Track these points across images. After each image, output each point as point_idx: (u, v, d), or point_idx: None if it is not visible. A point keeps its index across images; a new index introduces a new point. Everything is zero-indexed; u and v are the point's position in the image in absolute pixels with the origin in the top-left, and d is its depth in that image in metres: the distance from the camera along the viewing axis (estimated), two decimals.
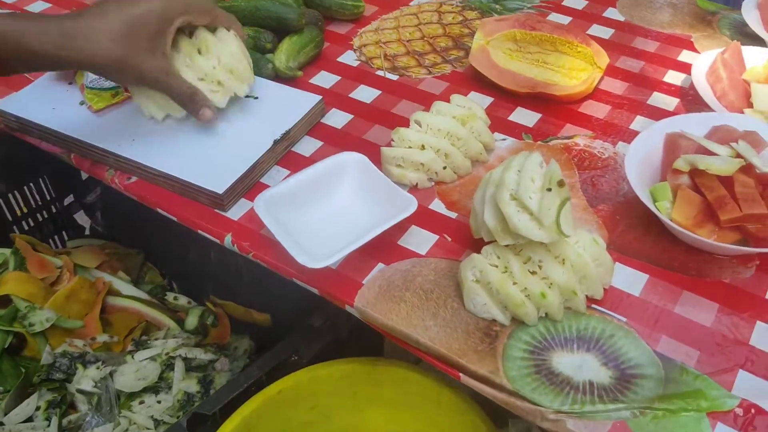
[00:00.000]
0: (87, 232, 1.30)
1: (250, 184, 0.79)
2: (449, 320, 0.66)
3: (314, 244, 0.70)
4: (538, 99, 0.90)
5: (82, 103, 0.88)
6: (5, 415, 0.93)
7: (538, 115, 0.89)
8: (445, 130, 0.79)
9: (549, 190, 0.61)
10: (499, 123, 0.88)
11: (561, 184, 0.61)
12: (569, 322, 0.65)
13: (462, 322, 0.66)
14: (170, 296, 1.22)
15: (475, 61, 0.92)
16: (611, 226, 0.75)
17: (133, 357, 1.06)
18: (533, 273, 0.64)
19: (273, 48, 0.95)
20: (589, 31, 1.04)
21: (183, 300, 1.21)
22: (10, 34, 0.67)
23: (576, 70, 0.91)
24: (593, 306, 0.67)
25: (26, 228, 1.20)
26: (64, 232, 1.27)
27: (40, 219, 1.22)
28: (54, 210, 1.24)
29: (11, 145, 0.94)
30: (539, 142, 0.85)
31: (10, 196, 1.16)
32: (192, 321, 1.15)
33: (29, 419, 0.97)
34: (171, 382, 1.05)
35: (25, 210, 1.19)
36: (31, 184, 1.18)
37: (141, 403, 1.04)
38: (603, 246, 0.67)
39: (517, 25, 0.94)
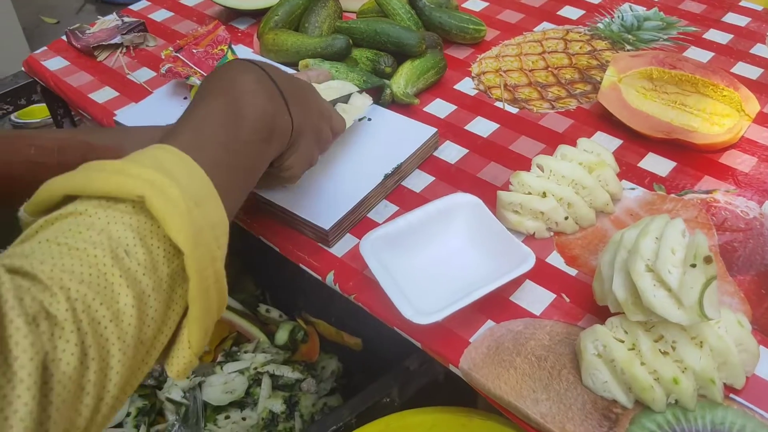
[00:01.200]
0: None
1: (356, 220, 0.76)
2: (563, 395, 0.60)
3: (421, 294, 0.65)
4: (674, 145, 0.82)
5: None
6: None
7: (673, 164, 0.81)
8: (570, 178, 0.72)
9: (693, 266, 0.54)
10: (627, 169, 0.80)
11: (708, 260, 0.54)
12: (702, 413, 0.58)
13: (578, 398, 0.60)
14: (262, 308, 1.21)
15: (604, 99, 0.85)
16: (755, 300, 0.66)
17: (222, 368, 1.06)
18: (665, 354, 0.57)
19: (392, 72, 0.91)
20: (734, 70, 0.95)
21: (275, 313, 1.21)
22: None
23: (719, 116, 0.82)
24: (732, 396, 0.59)
25: None
26: None
27: None
28: None
29: None
30: (673, 195, 0.77)
31: None
32: (282, 336, 1.14)
33: (119, 425, 0.99)
34: (257, 398, 1.05)
35: None
36: None
37: (227, 417, 1.03)
38: (748, 328, 0.59)
39: (655, 63, 0.86)
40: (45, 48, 1.07)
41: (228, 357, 1.08)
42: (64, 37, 1.08)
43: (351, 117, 0.79)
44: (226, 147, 0.53)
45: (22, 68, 1.07)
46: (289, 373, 1.06)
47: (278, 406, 1.03)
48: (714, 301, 0.54)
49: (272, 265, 1.19)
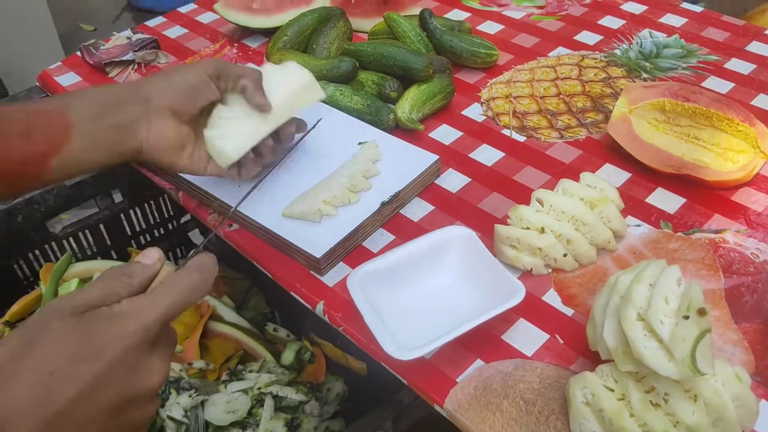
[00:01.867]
0: None
1: (350, 248, 0.75)
2: None
3: (407, 330, 0.63)
4: (684, 181, 0.79)
5: None
6: None
7: (682, 200, 0.78)
8: (570, 214, 0.70)
9: (686, 317, 0.52)
10: (634, 204, 0.77)
11: (702, 312, 0.51)
12: None
13: None
14: (270, 327, 1.20)
15: (614, 130, 0.82)
16: (760, 351, 0.63)
17: (225, 387, 1.05)
18: (656, 406, 0.55)
19: (398, 97, 0.90)
20: (755, 102, 0.91)
21: (282, 332, 1.20)
22: None
23: (733, 152, 0.79)
24: None
25: (143, 242, 1.23)
26: (178, 250, 1.29)
27: (157, 235, 1.25)
28: (171, 227, 1.26)
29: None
30: (680, 234, 0.74)
31: (131, 211, 1.19)
32: (288, 356, 1.13)
33: None
34: (259, 419, 1.03)
35: (144, 225, 1.22)
36: (152, 202, 1.21)
37: None
38: (747, 382, 0.56)
39: (668, 94, 0.83)
40: (59, 63, 1.08)
41: (232, 376, 1.07)
42: (78, 52, 1.09)
43: (292, 107, 0.75)
44: None
45: (36, 83, 1.08)
46: (292, 395, 1.05)
47: (280, 428, 1.02)
48: (708, 356, 0.52)
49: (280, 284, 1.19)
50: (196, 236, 1.32)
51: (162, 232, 1.25)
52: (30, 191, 0.71)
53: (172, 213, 1.25)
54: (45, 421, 0.40)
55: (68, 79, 1.04)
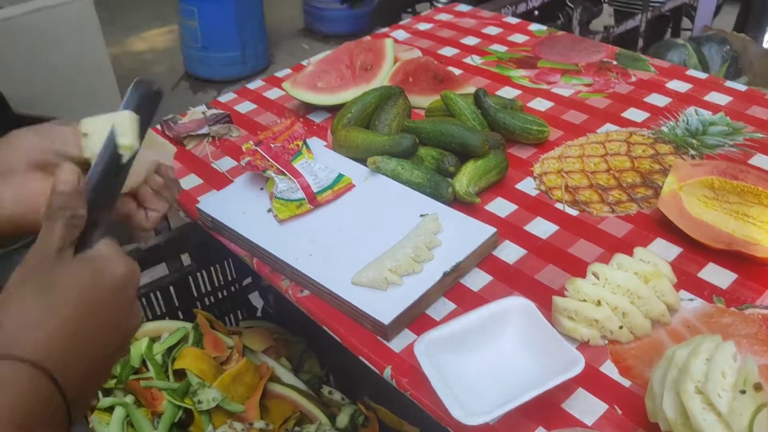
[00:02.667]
0: (259, 314, 1.38)
1: (414, 315, 0.79)
2: None
3: (472, 395, 0.67)
4: (736, 257, 0.82)
5: (269, 210, 0.94)
6: None
7: (734, 276, 0.81)
8: (625, 287, 0.74)
9: (743, 392, 0.55)
10: (686, 279, 0.81)
11: (758, 387, 0.54)
12: None
13: None
14: (325, 389, 1.24)
15: (664, 206, 0.87)
16: None
17: None
18: None
19: (456, 171, 0.96)
20: None
21: (337, 395, 1.23)
22: None
23: None
24: None
25: (207, 303, 1.29)
26: (238, 311, 1.35)
27: (220, 296, 1.31)
28: (233, 289, 1.33)
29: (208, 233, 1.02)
30: (733, 309, 0.77)
31: (198, 274, 1.25)
32: (343, 419, 1.16)
33: None
34: None
35: (209, 288, 1.28)
36: (217, 265, 1.28)
37: None
38: None
39: (716, 172, 0.87)
40: None
41: None
42: (158, 126, 1.18)
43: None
44: None
45: None
46: None
47: None
48: (764, 429, 0.54)
49: (337, 348, 1.23)
50: (255, 298, 1.38)
51: (225, 294, 1.32)
52: None
53: (235, 276, 1.32)
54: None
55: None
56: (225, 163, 1.09)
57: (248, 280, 1.36)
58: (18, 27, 2.37)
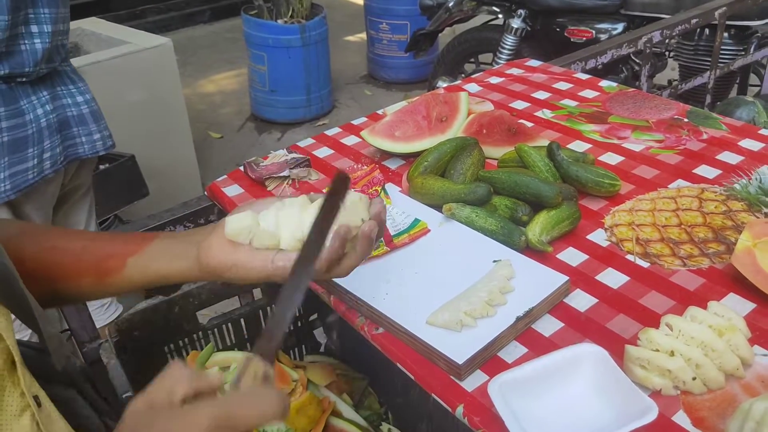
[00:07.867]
0: (322, 350, 1.42)
1: (487, 357, 0.82)
2: None
3: None
4: None
5: None
6: None
7: None
8: (699, 340, 0.75)
9: None
10: (761, 335, 0.81)
11: None
12: None
13: None
14: (385, 427, 1.26)
15: (738, 262, 0.88)
16: None
17: None
18: None
19: (529, 220, 0.99)
20: None
21: None
22: None
23: None
24: None
25: None
26: (303, 346, 1.39)
27: (287, 330, 1.36)
28: (299, 324, 1.37)
29: None
30: None
31: (268, 308, 1.31)
32: None
33: None
34: None
35: None
36: None
37: None
38: None
39: None
40: (225, 176, 1.25)
41: None
42: (242, 168, 1.25)
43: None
44: None
45: (204, 192, 1.25)
46: None
47: None
48: None
49: (399, 387, 1.25)
50: (319, 334, 1.42)
51: (291, 328, 1.36)
52: (109, 294, 0.78)
53: (302, 311, 1.36)
54: None
55: (233, 190, 1.20)
56: None
57: (314, 316, 1.40)
58: (104, 69, 2.53)
